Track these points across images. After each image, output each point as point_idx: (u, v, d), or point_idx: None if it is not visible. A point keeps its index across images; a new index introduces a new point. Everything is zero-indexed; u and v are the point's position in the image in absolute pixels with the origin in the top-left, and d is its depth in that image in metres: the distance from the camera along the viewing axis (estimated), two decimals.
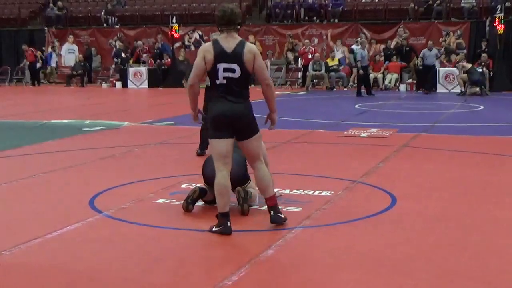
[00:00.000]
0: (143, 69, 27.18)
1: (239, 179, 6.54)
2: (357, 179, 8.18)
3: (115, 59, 28.43)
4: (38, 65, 28.50)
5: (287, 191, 7.44)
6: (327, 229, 6.08)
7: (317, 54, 25.03)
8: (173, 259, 5.25)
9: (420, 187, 7.84)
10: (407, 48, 25.21)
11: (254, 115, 6.02)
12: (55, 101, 21.64)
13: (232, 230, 5.85)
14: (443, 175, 8.59)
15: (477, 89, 21.93)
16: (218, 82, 5.87)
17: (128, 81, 27.08)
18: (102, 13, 31.28)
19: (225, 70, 5.82)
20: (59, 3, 32.28)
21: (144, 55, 27.97)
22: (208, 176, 6.62)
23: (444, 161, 9.67)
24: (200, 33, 28.79)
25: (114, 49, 28.94)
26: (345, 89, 24.87)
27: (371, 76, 24.39)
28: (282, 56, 27.95)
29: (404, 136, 12.05)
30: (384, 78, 24.83)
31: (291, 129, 12.55)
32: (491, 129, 13.37)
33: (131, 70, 27.24)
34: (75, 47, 29.55)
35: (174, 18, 26.45)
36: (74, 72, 28.16)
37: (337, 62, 25.31)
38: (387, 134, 12.29)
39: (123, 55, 28.11)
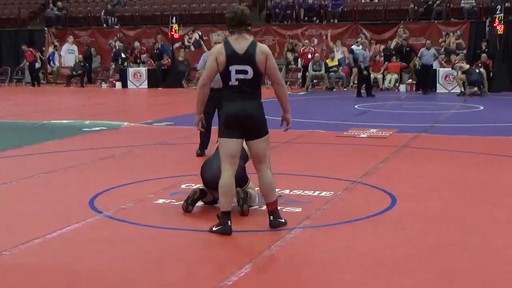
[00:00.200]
0: (143, 70, 27.18)
1: (238, 180, 6.52)
2: (357, 180, 8.18)
3: (115, 60, 28.41)
4: (38, 65, 28.48)
5: (287, 191, 7.44)
6: (327, 229, 6.08)
7: (317, 55, 25.04)
8: (172, 260, 5.25)
9: (420, 187, 7.85)
10: (407, 49, 25.21)
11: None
12: (55, 102, 21.64)
13: (232, 230, 5.85)
14: (443, 175, 8.59)
15: (475, 88, 21.92)
16: (230, 83, 5.88)
17: (128, 81, 27.07)
18: (102, 14, 31.28)
19: (238, 72, 5.83)
20: (59, 3, 32.28)
21: (142, 56, 27.96)
22: (207, 179, 6.62)
23: (444, 161, 9.67)
24: (200, 33, 28.79)
25: (114, 49, 28.94)
26: (345, 89, 24.88)
27: (371, 76, 24.39)
28: (282, 57, 27.93)
29: (404, 136, 12.06)
30: (384, 79, 24.83)
31: (291, 129, 12.52)
32: (491, 130, 13.37)
33: (131, 71, 27.24)
34: (75, 47, 29.54)
35: (174, 18, 26.46)
36: (74, 73, 28.15)
37: (336, 63, 25.31)
38: (387, 134, 12.29)
39: (123, 55, 28.11)
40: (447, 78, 23.55)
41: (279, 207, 6.20)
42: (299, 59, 26.68)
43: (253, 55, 5.83)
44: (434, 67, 23.80)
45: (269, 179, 6.03)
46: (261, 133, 5.96)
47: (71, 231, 6.02)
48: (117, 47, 28.72)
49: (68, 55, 29.65)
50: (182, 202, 6.68)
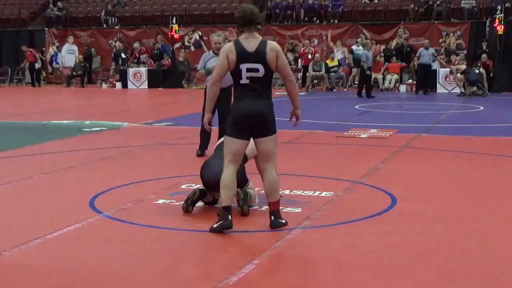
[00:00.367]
0: (143, 70, 27.19)
1: (238, 181, 6.53)
2: (357, 180, 8.19)
3: (115, 60, 28.42)
4: (38, 65, 28.48)
5: (287, 191, 7.44)
6: (327, 229, 6.08)
7: (317, 55, 25.05)
8: (173, 260, 5.25)
9: (420, 187, 7.85)
10: (408, 49, 25.22)
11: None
12: (55, 102, 21.64)
13: (233, 225, 5.88)
14: (443, 175, 8.60)
15: (474, 88, 21.90)
16: (241, 82, 5.91)
17: (128, 81, 27.08)
18: (102, 14, 31.28)
19: (249, 70, 5.86)
20: (59, 3, 32.29)
21: (142, 56, 27.96)
22: (207, 179, 6.63)
23: (444, 161, 9.67)
24: (200, 33, 28.81)
25: (114, 49, 28.95)
26: (345, 89, 24.88)
27: (371, 77, 24.41)
28: None
29: (404, 136, 12.06)
30: (384, 79, 24.83)
31: (291, 130, 12.53)
32: (491, 130, 13.37)
33: (131, 71, 27.24)
34: (75, 47, 29.55)
35: (174, 18, 26.46)
36: (74, 73, 28.17)
37: (337, 63, 25.32)
38: (387, 134, 12.30)
39: (123, 55, 28.12)
40: (447, 78, 23.55)
41: (280, 212, 6.19)
42: (299, 59, 26.70)
43: (264, 53, 5.87)
44: (434, 67, 23.81)
45: (274, 178, 6.04)
46: (270, 131, 6.00)
47: (71, 231, 6.02)
48: (117, 48, 28.73)
49: (68, 55, 29.65)
50: (182, 203, 6.68)
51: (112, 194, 7.55)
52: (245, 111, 5.88)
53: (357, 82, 25.53)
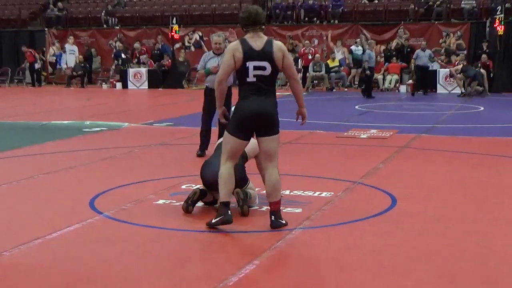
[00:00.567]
0: (143, 70, 27.19)
1: (238, 181, 6.53)
2: (357, 180, 8.19)
3: (115, 60, 28.43)
4: (37, 65, 28.47)
5: (287, 192, 7.44)
6: (327, 230, 6.09)
7: (317, 55, 25.04)
8: (173, 260, 5.26)
9: (420, 188, 7.85)
10: (408, 49, 25.21)
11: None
12: (55, 102, 21.64)
13: (232, 220, 5.92)
14: (443, 176, 8.60)
15: (476, 84, 21.85)
16: (248, 80, 5.93)
17: (128, 82, 27.08)
18: (102, 14, 31.28)
19: (256, 68, 5.89)
20: (59, 4, 32.29)
21: (142, 57, 27.96)
22: (208, 179, 6.63)
23: (444, 162, 9.67)
24: (200, 34, 28.81)
25: (114, 50, 28.96)
26: (345, 90, 24.87)
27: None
28: None
29: (405, 137, 12.06)
30: (384, 79, 24.83)
31: (292, 130, 12.55)
32: (491, 130, 13.37)
33: (131, 71, 27.24)
34: (75, 48, 29.56)
35: (174, 19, 26.46)
36: (74, 73, 28.18)
37: (337, 64, 25.32)
38: (388, 135, 12.30)
39: (123, 56, 28.12)
40: (448, 79, 23.55)
41: (281, 213, 6.20)
42: (299, 59, 26.68)
43: (271, 52, 5.91)
44: (434, 68, 23.81)
45: (275, 178, 6.06)
46: (273, 130, 6.03)
47: (71, 231, 6.02)
48: (117, 48, 28.73)
49: (68, 55, 29.66)
50: (182, 203, 6.68)
51: (112, 194, 7.55)
52: (252, 109, 5.90)
53: (357, 83, 25.60)
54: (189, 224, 6.29)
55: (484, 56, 23.49)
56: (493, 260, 5.17)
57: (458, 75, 22.22)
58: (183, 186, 7.85)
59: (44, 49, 30.11)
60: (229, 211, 5.95)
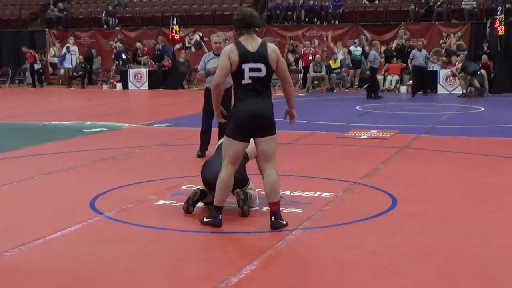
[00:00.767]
0: (143, 71, 27.21)
1: (238, 181, 6.54)
2: (357, 181, 8.19)
3: (116, 61, 28.45)
4: (37, 66, 28.46)
5: (287, 192, 7.45)
6: (328, 230, 6.09)
7: (317, 56, 25.04)
8: (173, 260, 5.26)
9: (421, 188, 7.85)
10: (409, 50, 25.21)
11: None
12: (55, 103, 21.65)
13: (222, 224, 6.03)
14: (443, 176, 8.60)
15: (477, 82, 21.82)
16: (244, 82, 5.96)
17: (129, 82, 27.10)
18: (103, 15, 31.29)
19: (251, 70, 5.92)
20: (60, 4, 32.30)
21: (143, 57, 27.96)
22: (208, 179, 6.63)
23: (445, 162, 9.67)
24: (201, 34, 28.82)
25: (115, 50, 28.97)
26: (346, 90, 24.87)
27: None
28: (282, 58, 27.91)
29: (405, 137, 12.06)
30: (384, 80, 24.83)
31: (292, 131, 12.55)
32: (492, 131, 13.37)
33: (131, 72, 27.26)
34: (76, 48, 29.58)
35: (175, 19, 26.47)
36: (75, 74, 28.19)
37: (339, 65, 25.32)
38: (388, 135, 12.30)
39: (123, 56, 28.13)
40: (448, 79, 23.56)
41: (280, 208, 6.21)
42: (300, 60, 26.71)
43: (265, 54, 5.95)
44: (434, 68, 23.81)
45: (273, 179, 6.08)
46: (270, 131, 6.06)
47: (72, 232, 6.02)
48: (117, 48, 28.75)
49: (69, 56, 29.67)
50: (183, 203, 6.69)
51: (112, 194, 7.55)
52: (248, 111, 5.93)
53: (357, 83, 25.61)
54: (189, 224, 6.29)
55: (484, 56, 23.50)
56: (493, 260, 5.17)
57: (460, 73, 22.22)
58: (184, 187, 7.85)
59: (45, 49, 30.10)
60: (220, 215, 6.07)
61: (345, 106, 19.11)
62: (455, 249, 5.46)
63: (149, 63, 27.65)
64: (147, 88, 26.69)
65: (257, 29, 6.11)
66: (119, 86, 27.17)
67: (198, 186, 7.04)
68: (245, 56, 5.91)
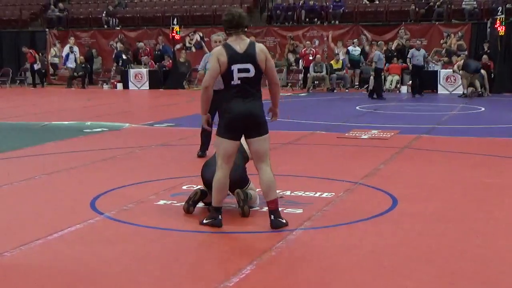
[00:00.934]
0: (144, 71, 27.21)
1: (238, 181, 6.55)
2: (358, 181, 8.19)
3: (116, 61, 28.45)
4: (36, 66, 28.46)
5: (288, 192, 7.45)
6: (328, 230, 6.09)
7: (318, 56, 25.03)
8: (173, 260, 5.26)
9: (421, 188, 7.85)
10: (410, 50, 25.19)
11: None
12: (56, 103, 21.65)
13: (222, 224, 6.03)
14: (444, 176, 8.60)
15: (477, 81, 21.81)
16: (233, 83, 5.97)
17: (129, 82, 27.10)
18: (103, 15, 31.30)
19: (240, 70, 5.94)
20: (60, 4, 32.31)
21: (144, 57, 27.97)
22: (208, 179, 6.63)
23: (445, 162, 9.67)
24: (201, 34, 28.83)
25: (115, 50, 28.97)
26: (346, 90, 24.88)
27: (372, 77, 24.38)
28: (283, 58, 27.97)
29: (405, 137, 12.06)
30: (385, 80, 24.81)
31: (292, 131, 12.56)
32: (492, 131, 13.37)
33: (132, 72, 27.26)
34: (76, 48, 29.58)
35: (175, 19, 26.48)
36: (75, 74, 28.19)
37: (341, 66, 25.32)
38: (388, 135, 12.30)
39: (124, 56, 28.14)
40: (449, 79, 23.55)
41: (280, 208, 6.21)
42: (300, 60, 26.71)
43: (254, 54, 5.97)
44: (435, 69, 23.79)
45: (269, 177, 6.10)
46: (262, 131, 6.07)
47: (72, 232, 6.03)
48: (118, 49, 28.76)
49: (70, 56, 29.70)
50: (183, 203, 6.69)
51: (113, 195, 7.55)
52: (238, 111, 5.95)
53: (357, 83, 25.62)
54: (190, 224, 6.29)
55: (485, 56, 23.50)
56: (493, 260, 5.17)
57: (461, 71, 22.22)
58: (184, 187, 7.85)
59: (46, 50, 30.12)
60: (220, 216, 6.07)
61: (345, 106, 19.11)
62: (455, 249, 5.46)
63: (150, 63, 27.66)
64: (148, 88, 26.70)
65: (246, 29, 6.16)
66: (119, 86, 27.18)
67: (199, 186, 7.04)
68: (233, 57, 5.93)
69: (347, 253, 5.40)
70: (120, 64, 28.09)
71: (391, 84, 24.64)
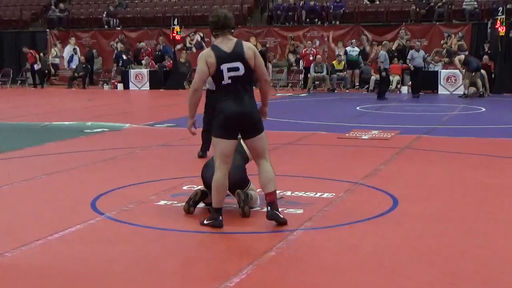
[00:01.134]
0: (144, 71, 27.22)
1: (239, 182, 6.55)
2: (358, 181, 8.19)
3: (117, 61, 28.46)
4: (37, 66, 28.47)
5: (288, 193, 7.45)
6: (329, 231, 6.09)
7: (318, 56, 25.05)
8: (174, 261, 5.26)
9: (422, 188, 7.85)
10: (409, 51, 25.21)
11: None
12: (56, 103, 21.66)
13: (223, 225, 6.03)
14: (444, 176, 8.60)
15: (479, 80, 21.79)
16: (224, 83, 5.99)
17: (130, 83, 27.11)
18: (104, 15, 31.32)
19: (229, 69, 5.96)
20: (61, 5, 32.34)
21: (145, 58, 27.98)
22: (208, 180, 6.63)
23: (446, 163, 9.67)
24: (202, 35, 28.86)
25: (116, 51, 28.98)
26: (347, 91, 24.89)
27: (372, 78, 24.42)
28: (283, 58, 27.99)
29: (406, 138, 12.06)
30: None
31: (293, 131, 12.56)
32: (493, 131, 13.37)
33: (132, 72, 27.27)
34: (77, 49, 29.59)
35: (176, 20, 26.49)
36: (76, 74, 28.20)
37: (343, 66, 25.32)
38: (389, 136, 12.29)
39: (124, 57, 28.15)
40: (449, 80, 23.56)
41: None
42: (300, 60, 26.72)
43: (241, 52, 6.00)
44: (436, 69, 23.80)
45: (268, 170, 6.15)
46: (258, 129, 6.10)
47: (72, 232, 6.03)
48: (118, 49, 28.77)
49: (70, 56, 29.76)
50: (184, 204, 6.69)
51: (113, 195, 7.55)
52: (231, 111, 5.96)
53: (357, 84, 25.61)
54: (190, 225, 6.29)
55: (485, 57, 23.51)
56: (493, 261, 5.17)
57: (464, 71, 22.22)
58: (185, 187, 7.86)
59: (46, 50, 30.13)
60: (221, 217, 6.07)
61: (346, 107, 19.11)
62: (456, 250, 5.46)
63: (150, 63, 27.67)
64: (148, 88, 26.71)
65: (233, 30, 6.20)
66: (120, 86, 27.18)
67: (199, 187, 7.04)
68: (222, 57, 5.96)
69: (348, 253, 5.40)
70: (120, 64, 28.11)
71: (391, 85, 24.62)
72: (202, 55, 6.11)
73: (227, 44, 6.04)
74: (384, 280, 4.76)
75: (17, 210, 6.97)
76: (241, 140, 6.29)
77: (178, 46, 27.92)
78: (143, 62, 27.83)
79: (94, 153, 10.67)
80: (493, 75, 23.33)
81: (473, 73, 21.98)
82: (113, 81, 27.97)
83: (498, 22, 23.35)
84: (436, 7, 27.62)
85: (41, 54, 29.05)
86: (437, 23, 27.13)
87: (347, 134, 12.53)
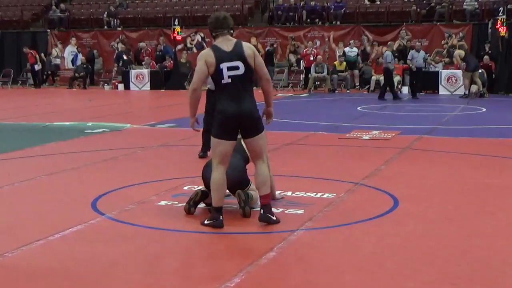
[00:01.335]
0: (145, 71, 27.24)
1: (239, 182, 6.55)
2: (359, 181, 8.19)
3: (117, 61, 28.47)
4: (37, 67, 28.48)
5: (289, 193, 7.44)
6: (329, 231, 6.09)
7: (319, 56, 25.05)
8: (175, 261, 5.26)
9: (422, 189, 7.85)
10: (410, 51, 25.19)
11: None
12: (57, 103, 21.67)
13: (223, 225, 6.03)
14: (445, 177, 8.59)
15: (479, 79, 21.80)
16: (224, 82, 6.00)
17: (130, 83, 27.13)
18: (105, 16, 31.33)
19: (229, 68, 5.97)
20: (62, 5, 32.35)
21: (145, 58, 27.99)
22: (209, 181, 6.63)
23: (446, 163, 9.67)
24: (202, 35, 28.86)
25: (116, 51, 28.99)
26: (348, 91, 24.89)
27: (373, 78, 24.41)
28: (284, 58, 27.98)
29: (407, 138, 12.06)
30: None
31: (293, 131, 12.56)
32: (493, 131, 13.37)
33: (133, 72, 27.28)
34: (79, 49, 29.63)
35: (176, 20, 26.51)
36: (77, 74, 28.21)
37: (345, 67, 25.31)
38: (390, 136, 12.29)
39: (125, 57, 28.16)
40: (450, 80, 23.55)
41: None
42: (301, 61, 26.72)
43: (241, 51, 6.02)
44: (436, 69, 23.80)
45: (264, 172, 6.16)
46: (258, 129, 6.11)
47: (73, 232, 6.03)
48: (119, 49, 28.77)
49: (70, 57, 29.72)
50: (184, 204, 6.69)
51: (114, 195, 7.56)
52: (231, 111, 5.97)
53: (357, 84, 25.61)
54: (191, 225, 6.29)
55: (486, 57, 23.50)
56: (495, 261, 5.16)
57: (462, 64, 22.25)
58: (185, 188, 7.86)
59: (47, 50, 30.14)
60: (221, 216, 6.07)
61: (346, 107, 19.12)
62: (457, 250, 5.46)
63: (151, 64, 27.68)
64: (149, 89, 26.73)
65: (232, 30, 6.22)
66: (120, 87, 27.20)
67: (200, 187, 7.05)
68: (221, 56, 5.98)
69: (348, 253, 5.39)
70: (121, 64, 28.11)
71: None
72: (201, 55, 6.13)
73: (226, 44, 6.05)
74: (385, 280, 4.76)
75: (18, 210, 6.98)
76: (242, 140, 6.29)
77: (179, 47, 27.94)
78: (144, 62, 27.84)
79: (95, 153, 10.67)
80: (494, 76, 23.31)
81: (472, 73, 21.99)
82: (113, 81, 27.98)
83: (499, 22, 23.36)
84: (437, 7, 27.62)
85: (43, 54, 29.04)
86: (438, 23, 27.13)
87: (347, 135, 12.53)
